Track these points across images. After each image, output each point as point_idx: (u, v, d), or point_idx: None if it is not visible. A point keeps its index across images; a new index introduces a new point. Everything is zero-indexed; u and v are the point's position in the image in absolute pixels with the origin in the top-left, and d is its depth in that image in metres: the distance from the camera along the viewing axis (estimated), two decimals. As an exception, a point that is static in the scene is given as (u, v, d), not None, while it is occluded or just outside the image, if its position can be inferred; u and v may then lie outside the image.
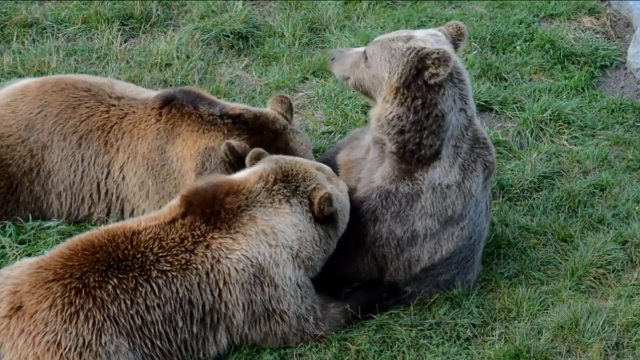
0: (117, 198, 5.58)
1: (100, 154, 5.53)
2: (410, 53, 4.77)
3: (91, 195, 5.58)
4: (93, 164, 5.54)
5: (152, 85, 6.87)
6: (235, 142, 5.27)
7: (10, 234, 5.43)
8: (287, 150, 5.43)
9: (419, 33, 4.93)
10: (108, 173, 5.55)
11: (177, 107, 5.52)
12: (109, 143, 5.53)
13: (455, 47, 4.98)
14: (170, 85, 6.96)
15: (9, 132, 5.55)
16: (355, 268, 5.10)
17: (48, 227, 5.53)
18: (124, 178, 5.54)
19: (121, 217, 5.58)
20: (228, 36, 7.62)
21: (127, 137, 5.53)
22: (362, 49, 5.12)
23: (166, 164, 5.47)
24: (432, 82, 4.73)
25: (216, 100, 5.67)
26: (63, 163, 5.55)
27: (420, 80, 4.75)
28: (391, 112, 4.87)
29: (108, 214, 5.60)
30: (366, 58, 5.00)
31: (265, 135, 5.45)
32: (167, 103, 5.55)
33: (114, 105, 5.60)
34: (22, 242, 5.42)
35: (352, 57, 5.13)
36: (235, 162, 5.25)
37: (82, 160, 5.54)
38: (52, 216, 5.62)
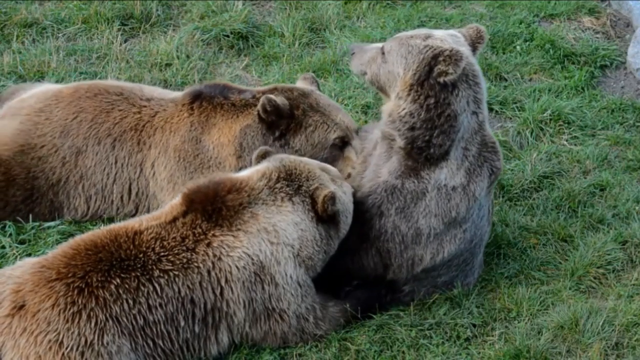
0: (147, 196, 5.61)
1: (133, 154, 5.57)
2: (427, 51, 4.77)
3: (122, 197, 5.60)
4: (126, 165, 5.57)
5: (152, 85, 6.85)
6: (272, 95, 5.36)
7: (10, 234, 5.42)
8: (319, 106, 5.55)
9: (439, 32, 4.92)
10: (140, 172, 5.58)
11: (207, 100, 5.59)
12: (142, 141, 5.57)
13: (474, 49, 4.97)
14: (171, 85, 6.97)
15: (42, 143, 5.56)
16: (360, 263, 5.11)
17: (48, 227, 5.53)
18: (154, 174, 5.56)
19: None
20: (228, 36, 7.62)
21: (159, 132, 5.57)
22: (380, 44, 5.13)
23: (200, 153, 5.50)
24: (440, 80, 4.72)
25: (244, 88, 5.74)
26: (97, 167, 5.56)
27: (432, 79, 4.76)
28: (404, 109, 4.86)
29: (135, 214, 5.60)
30: (383, 54, 5.00)
31: (296, 93, 5.57)
32: (197, 98, 5.61)
33: (145, 106, 5.66)
34: (22, 242, 5.41)
35: (370, 53, 5.14)
36: (275, 116, 5.36)
37: (116, 162, 5.56)
38: (74, 217, 5.63)
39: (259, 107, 5.37)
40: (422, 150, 4.88)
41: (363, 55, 5.19)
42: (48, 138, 5.57)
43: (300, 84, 5.84)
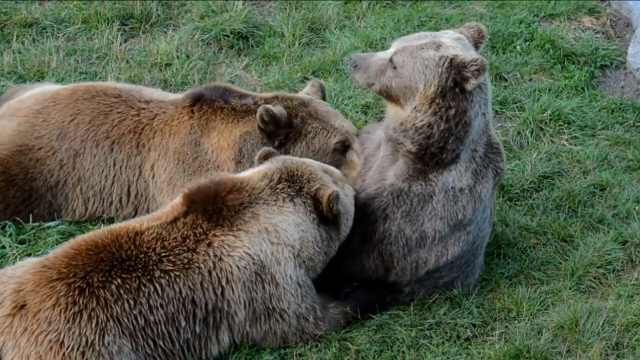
0: (146, 199, 5.60)
1: (132, 156, 5.56)
2: (444, 63, 4.69)
3: (120, 199, 5.60)
4: (125, 167, 5.56)
5: (152, 85, 6.86)
6: (270, 105, 5.37)
7: (10, 234, 5.42)
8: (318, 113, 5.56)
9: (446, 39, 4.82)
10: (139, 174, 5.57)
11: (208, 103, 5.59)
12: (141, 144, 5.57)
13: (476, 48, 4.93)
14: (171, 86, 6.97)
15: (39, 145, 5.55)
16: (361, 265, 5.10)
17: (48, 227, 5.53)
18: (154, 176, 5.56)
19: None
20: (228, 36, 7.62)
21: (159, 135, 5.57)
22: (387, 55, 4.96)
23: (199, 156, 5.50)
24: (470, 89, 4.69)
25: (246, 92, 5.74)
26: (95, 169, 5.56)
27: (457, 89, 4.70)
28: (422, 120, 4.79)
29: (134, 216, 5.58)
30: (395, 67, 4.86)
31: (295, 102, 5.58)
32: (197, 101, 5.60)
33: (143, 109, 5.65)
34: (22, 242, 5.41)
35: (377, 65, 4.96)
36: (273, 126, 5.36)
37: (114, 165, 5.56)
38: (73, 218, 5.63)
39: (257, 117, 5.36)
40: (435, 156, 4.85)
41: (369, 67, 5.01)
42: (45, 140, 5.56)
43: (307, 90, 5.85)
